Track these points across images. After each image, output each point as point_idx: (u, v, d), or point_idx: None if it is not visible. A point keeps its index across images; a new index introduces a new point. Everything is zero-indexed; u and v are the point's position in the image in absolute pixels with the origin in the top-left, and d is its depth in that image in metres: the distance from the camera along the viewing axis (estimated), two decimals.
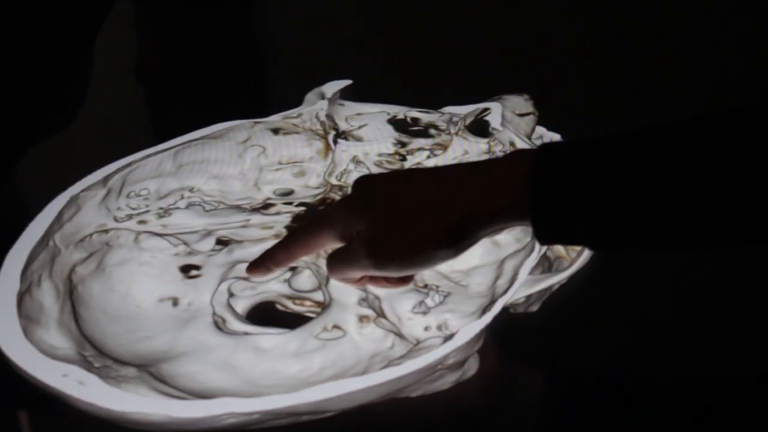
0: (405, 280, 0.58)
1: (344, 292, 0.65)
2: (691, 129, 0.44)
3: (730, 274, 0.70)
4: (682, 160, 0.43)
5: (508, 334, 0.64)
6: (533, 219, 0.47)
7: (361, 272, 0.55)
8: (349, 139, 0.81)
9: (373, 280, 0.58)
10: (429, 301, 0.64)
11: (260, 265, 0.59)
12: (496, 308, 0.62)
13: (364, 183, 0.55)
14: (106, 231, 0.69)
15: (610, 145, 0.46)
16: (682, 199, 0.44)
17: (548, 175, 0.46)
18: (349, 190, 0.74)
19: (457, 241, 0.51)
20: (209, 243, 0.69)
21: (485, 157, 0.78)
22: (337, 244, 0.56)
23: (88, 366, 0.58)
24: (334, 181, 0.76)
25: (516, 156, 0.49)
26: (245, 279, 0.67)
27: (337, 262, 0.56)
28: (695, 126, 0.44)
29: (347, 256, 0.55)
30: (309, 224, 0.58)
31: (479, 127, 0.82)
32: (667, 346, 0.65)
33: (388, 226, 0.52)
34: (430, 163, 0.78)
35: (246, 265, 0.67)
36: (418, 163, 0.78)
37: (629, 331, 0.66)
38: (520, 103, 0.84)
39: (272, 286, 0.67)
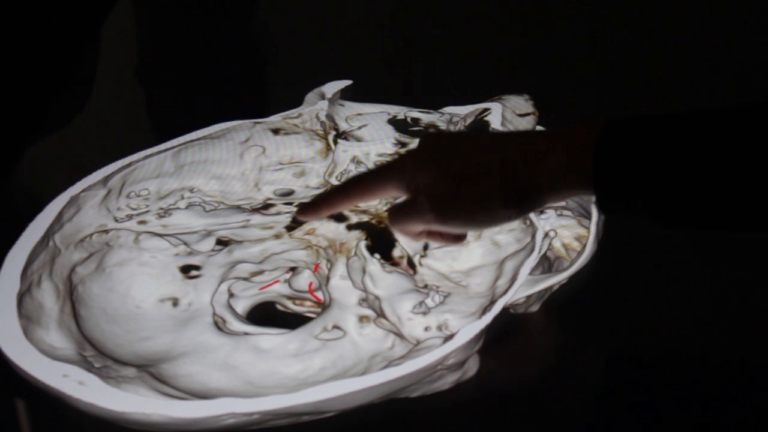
0: (460, 238, 0.59)
1: (344, 292, 0.65)
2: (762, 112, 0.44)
3: (732, 272, 0.70)
4: (752, 142, 0.44)
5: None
6: (595, 188, 0.48)
7: (423, 226, 0.56)
8: (350, 139, 0.81)
9: (430, 235, 0.58)
10: (429, 302, 0.64)
11: (314, 206, 0.59)
12: (497, 309, 0.62)
13: (434, 138, 0.56)
14: (106, 231, 0.69)
15: (678, 122, 0.46)
16: (746, 179, 0.44)
17: (613, 147, 0.47)
18: None
19: (521, 203, 0.52)
20: (209, 243, 0.69)
21: None
22: (399, 194, 0.56)
23: (88, 366, 0.58)
24: (334, 182, 0.76)
25: (585, 126, 0.49)
26: (245, 279, 0.67)
27: (400, 214, 0.56)
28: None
29: (411, 208, 0.55)
30: (373, 171, 0.58)
31: (479, 127, 0.82)
32: (667, 346, 0.65)
33: (456, 183, 0.53)
34: None
35: (246, 265, 0.67)
36: None
37: (629, 331, 0.66)
38: (520, 103, 0.84)
39: (272, 286, 0.67)
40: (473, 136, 0.56)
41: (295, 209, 0.73)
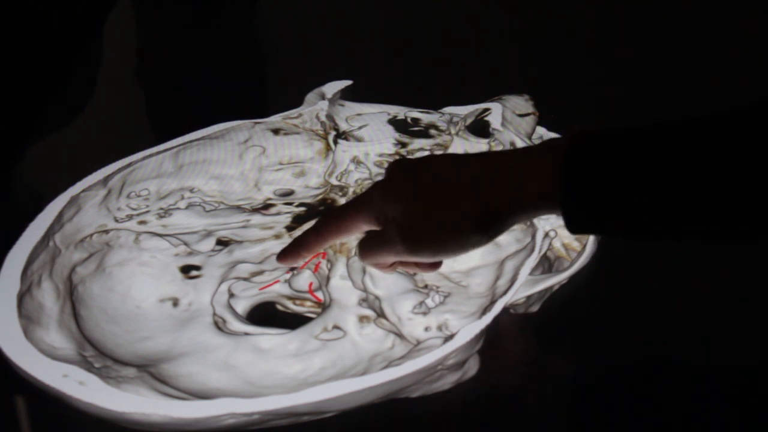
0: (435, 266, 0.58)
1: (344, 292, 0.65)
2: (729, 121, 0.44)
3: (732, 272, 0.70)
4: (718, 153, 0.43)
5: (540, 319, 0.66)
6: (563, 209, 0.48)
7: (394, 257, 0.56)
8: (350, 139, 0.81)
9: (403, 264, 0.58)
10: (429, 302, 0.64)
11: (292, 251, 0.59)
12: (497, 309, 0.62)
13: (400, 167, 0.55)
14: (107, 231, 0.69)
15: (644, 136, 0.46)
16: (714, 192, 0.44)
17: (579, 166, 0.47)
18: (350, 191, 0.74)
19: (489, 228, 0.51)
20: (209, 243, 0.69)
21: None
22: (370, 228, 0.56)
23: (88, 366, 0.58)
24: (334, 182, 0.76)
25: (550, 144, 0.49)
26: (245, 279, 0.67)
27: (370, 247, 0.56)
28: (733, 118, 0.44)
29: (381, 241, 0.55)
30: (342, 208, 0.58)
31: (479, 128, 0.82)
32: (667, 345, 0.65)
33: (422, 212, 0.52)
34: None
35: (246, 265, 0.67)
36: None
37: (630, 331, 0.66)
38: (520, 103, 0.84)
39: (272, 286, 0.67)
40: (439, 160, 0.55)
41: (294, 209, 0.73)
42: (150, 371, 0.58)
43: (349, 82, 0.87)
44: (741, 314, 0.67)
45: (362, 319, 0.63)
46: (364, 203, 0.56)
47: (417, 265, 0.58)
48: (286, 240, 0.70)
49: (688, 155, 0.44)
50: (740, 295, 0.68)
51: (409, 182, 0.53)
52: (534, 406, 0.61)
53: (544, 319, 0.66)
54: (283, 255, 0.60)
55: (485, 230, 0.51)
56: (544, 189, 0.48)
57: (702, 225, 0.45)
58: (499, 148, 0.78)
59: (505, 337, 0.65)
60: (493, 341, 0.63)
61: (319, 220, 0.59)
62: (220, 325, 0.62)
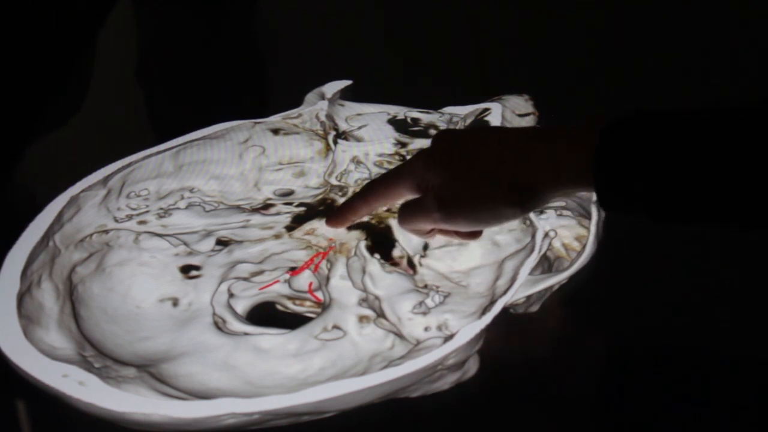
0: (474, 235, 0.60)
1: (344, 292, 0.65)
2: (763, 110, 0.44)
3: (734, 274, 0.70)
4: (752, 141, 0.44)
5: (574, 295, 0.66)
6: (597, 185, 0.49)
7: (431, 224, 0.58)
8: (350, 139, 0.81)
9: (442, 232, 0.61)
10: (429, 302, 0.64)
11: (339, 215, 0.64)
12: (496, 309, 0.62)
13: (443, 137, 0.57)
14: (106, 231, 0.69)
15: (680, 120, 0.46)
16: (745, 178, 0.44)
17: (614, 145, 0.47)
18: (350, 191, 0.74)
19: (523, 201, 0.53)
20: (209, 243, 0.69)
21: None
22: (413, 195, 0.58)
23: (88, 366, 0.58)
24: (334, 182, 0.76)
25: (589, 123, 0.50)
26: (245, 279, 0.67)
27: (409, 213, 0.59)
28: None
29: (419, 207, 0.57)
30: (387, 175, 0.60)
31: (480, 127, 0.82)
32: (667, 345, 0.65)
33: (460, 182, 0.54)
34: None
35: (246, 265, 0.67)
36: None
37: (630, 331, 0.66)
38: (520, 103, 0.84)
39: (272, 286, 0.67)
40: (480, 134, 0.57)
41: (294, 209, 0.73)
42: (150, 371, 0.58)
43: (349, 82, 0.87)
44: (745, 311, 0.67)
45: (362, 319, 0.63)
46: (406, 171, 0.58)
47: (456, 233, 0.60)
48: (286, 240, 0.70)
49: (725, 140, 0.45)
50: (744, 294, 0.68)
51: (450, 152, 0.55)
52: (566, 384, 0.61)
53: (544, 319, 0.66)
54: (332, 218, 0.65)
55: (519, 204, 0.53)
56: (580, 166, 0.49)
57: (733, 211, 0.46)
58: None
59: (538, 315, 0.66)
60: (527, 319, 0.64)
61: (365, 186, 0.63)
62: (220, 325, 0.62)
